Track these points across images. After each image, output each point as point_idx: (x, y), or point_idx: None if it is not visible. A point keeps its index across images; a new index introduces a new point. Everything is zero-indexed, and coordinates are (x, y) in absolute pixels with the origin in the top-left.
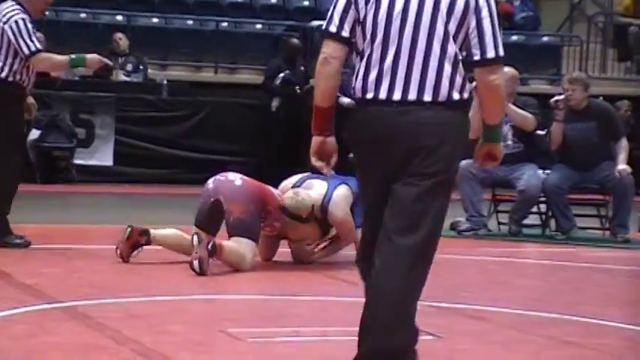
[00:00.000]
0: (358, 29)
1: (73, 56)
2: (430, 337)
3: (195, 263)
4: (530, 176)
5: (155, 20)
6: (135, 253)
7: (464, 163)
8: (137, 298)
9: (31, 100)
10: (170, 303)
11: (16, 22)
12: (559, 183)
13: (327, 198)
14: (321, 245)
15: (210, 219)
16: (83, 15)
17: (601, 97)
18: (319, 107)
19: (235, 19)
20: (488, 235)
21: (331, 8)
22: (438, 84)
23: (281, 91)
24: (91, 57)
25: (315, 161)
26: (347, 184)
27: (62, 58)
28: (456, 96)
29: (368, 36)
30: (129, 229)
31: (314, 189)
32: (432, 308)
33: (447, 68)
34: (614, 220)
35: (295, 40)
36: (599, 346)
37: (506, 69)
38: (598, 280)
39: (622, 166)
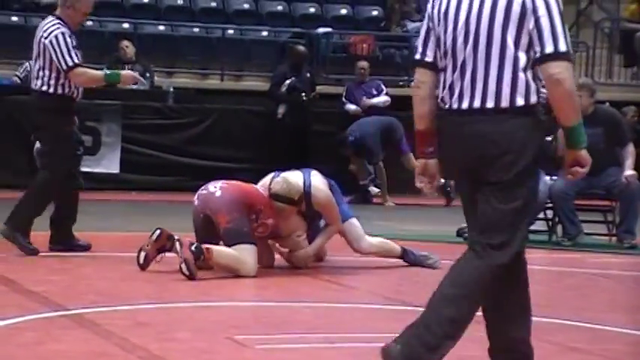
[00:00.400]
0: (437, 49)
1: (107, 72)
2: None
3: (183, 266)
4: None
5: (161, 28)
6: (159, 257)
7: None
8: (144, 306)
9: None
10: (177, 310)
11: (56, 36)
12: (565, 189)
13: (306, 185)
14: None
15: (207, 234)
16: (90, 23)
17: (607, 103)
18: (417, 130)
19: (241, 27)
20: None
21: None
22: (499, 90)
23: (287, 99)
24: (125, 73)
25: (418, 182)
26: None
27: (98, 73)
28: (520, 101)
29: (442, 52)
30: (158, 231)
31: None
32: None
33: (508, 74)
34: (620, 226)
35: (301, 47)
36: (605, 352)
37: None
38: (605, 286)
39: (629, 171)
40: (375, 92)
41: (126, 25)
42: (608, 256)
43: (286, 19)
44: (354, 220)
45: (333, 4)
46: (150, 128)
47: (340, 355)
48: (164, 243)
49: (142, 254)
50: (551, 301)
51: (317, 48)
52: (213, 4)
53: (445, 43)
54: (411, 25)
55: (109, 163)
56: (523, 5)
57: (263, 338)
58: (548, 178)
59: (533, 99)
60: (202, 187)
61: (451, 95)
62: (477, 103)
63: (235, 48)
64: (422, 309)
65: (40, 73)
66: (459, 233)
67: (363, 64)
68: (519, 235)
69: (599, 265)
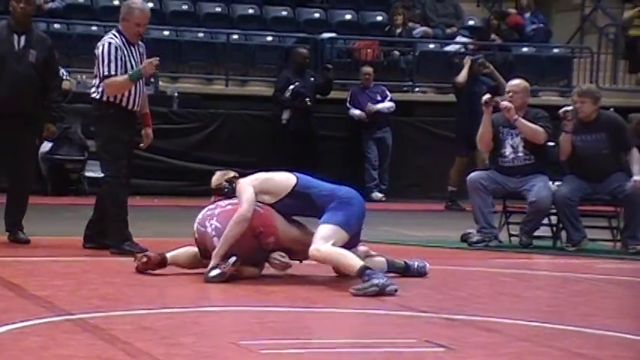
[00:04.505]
0: None
1: (130, 73)
2: (441, 349)
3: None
4: (541, 188)
5: (166, 33)
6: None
7: (474, 174)
8: (149, 311)
9: (147, 130)
10: (181, 315)
11: (102, 46)
12: (570, 195)
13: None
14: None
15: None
16: (94, 28)
17: (612, 109)
18: None
19: (246, 32)
20: (499, 246)
21: None
22: None
23: (291, 104)
24: (144, 65)
25: None
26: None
27: (123, 78)
28: None
29: None
30: (144, 259)
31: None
32: (443, 320)
33: None
34: (625, 232)
35: (303, 50)
36: (611, 358)
37: (517, 81)
38: (610, 292)
39: (639, 176)
40: (379, 98)
41: None
42: (613, 261)
43: (291, 25)
44: (331, 226)
45: (337, 10)
46: (155, 133)
47: None
48: (155, 267)
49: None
50: (556, 307)
51: (321, 53)
52: (218, 9)
53: None
54: (415, 30)
55: None
56: None
57: (268, 344)
58: (552, 183)
59: None
60: (198, 219)
61: None
62: None
63: (240, 53)
64: (429, 315)
65: (94, 81)
66: (464, 239)
67: (368, 69)
68: None
69: (604, 271)
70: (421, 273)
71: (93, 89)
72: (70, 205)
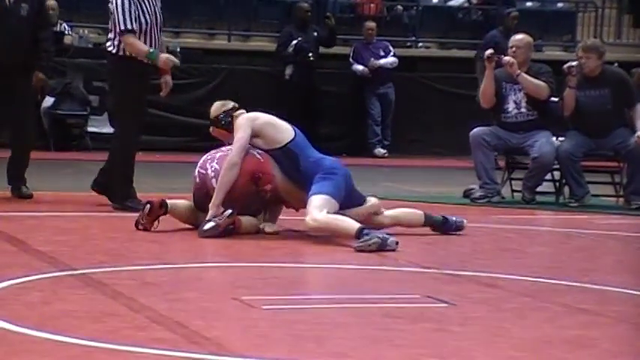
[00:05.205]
0: None
1: (151, 50)
2: (444, 305)
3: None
4: (544, 143)
5: None
6: (156, 224)
7: (477, 130)
8: (152, 266)
9: (166, 78)
10: (184, 271)
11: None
12: (573, 150)
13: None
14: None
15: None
16: None
17: (616, 64)
18: None
19: None
20: (502, 202)
21: None
22: None
23: (294, 59)
24: (162, 57)
25: None
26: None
27: (143, 48)
28: None
29: None
30: (148, 206)
31: None
32: (446, 276)
33: None
34: (628, 188)
35: (305, 5)
36: (613, 313)
37: (520, 36)
38: (612, 247)
39: None
40: (382, 53)
41: None
42: (616, 217)
43: None
44: (322, 196)
45: None
46: (157, 88)
47: (347, 316)
48: (158, 213)
49: (140, 227)
50: (558, 263)
51: (324, 7)
52: None
53: None
54: None
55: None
56: None
57: (270, 299)
58: (555, 139)
59: None
60: (199, 163)
61: None
62: None
63: (243, 8)
64: (431, 271)
65: (109, 35)
66: (466, 194)
67: (371, 24)
68: None
69: (607, 226)
70: (459, 227)
71: (108, 42)
72: (73, 160)
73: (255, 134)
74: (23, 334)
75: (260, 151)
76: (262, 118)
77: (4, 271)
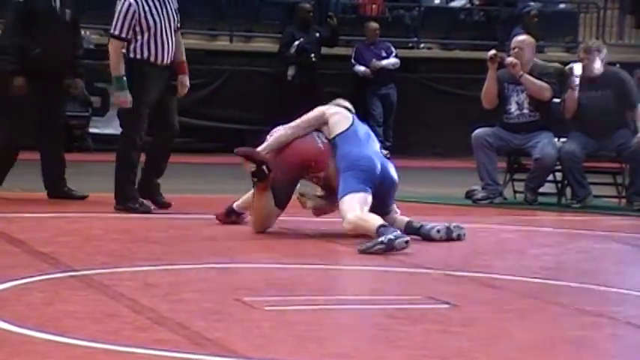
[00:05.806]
0: None
1: (124, 77)
2: (445, 306)
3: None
4: (546, 144)
5: None
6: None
7: (479, 131)
8: (153, 267)
9: (181, 78)
10: (186, 272)
11: (122, 4)
12: (575, 151)
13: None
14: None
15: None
16: None
17: (618, 65)
18: None
19: None
20: (504, 203)
21: None
22: None
23: (296, 60)
24: (117, 95)
25: None
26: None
27: (117, 66)
28: None
29: None
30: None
31: None
32: (448, 276)
33: None
34: (630, 189)
35: (306, 5)
36: (615, 314)
37: (523, 37)
38: (614, 248)
39: None
40: (384, 54)
41: None
42: (618, 218)
43: None
44: (349, 196)
45: None
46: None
47: (349, 317)
48: (230, 221)
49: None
50: (560, 264)
51: (326, 7)
52: None
53: None
54: None
55: (118, 125)
56: None
57: (272, 300)
58: (557, 140)
59: None
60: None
61: None
62: None
63: (244, 9)
64: (433, 272)
65: None
66: (468, 195)
67: (374, 25)
68: None
69: (609, 227)
70: (459, 238)
71: None
72: (74, 161)
73: (324, 121)
74: (25, 335)
75: (324, 141)
76: (336, 109)
77: (5, 271)
